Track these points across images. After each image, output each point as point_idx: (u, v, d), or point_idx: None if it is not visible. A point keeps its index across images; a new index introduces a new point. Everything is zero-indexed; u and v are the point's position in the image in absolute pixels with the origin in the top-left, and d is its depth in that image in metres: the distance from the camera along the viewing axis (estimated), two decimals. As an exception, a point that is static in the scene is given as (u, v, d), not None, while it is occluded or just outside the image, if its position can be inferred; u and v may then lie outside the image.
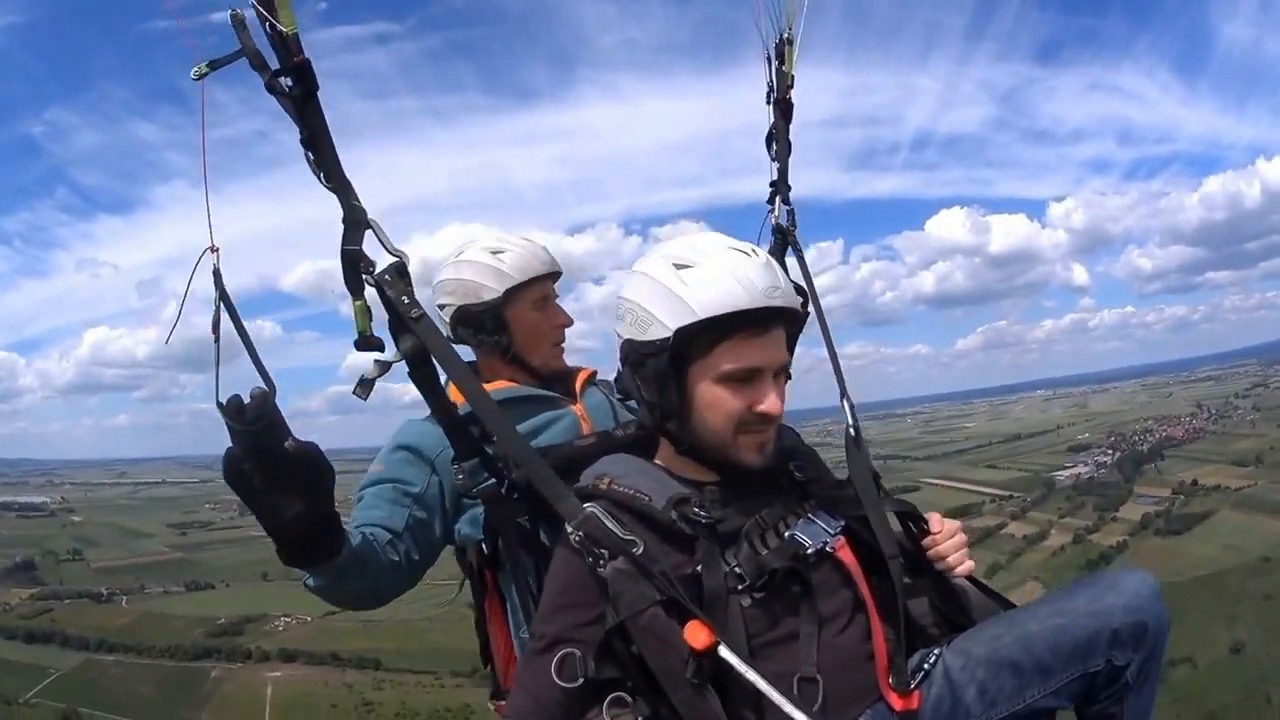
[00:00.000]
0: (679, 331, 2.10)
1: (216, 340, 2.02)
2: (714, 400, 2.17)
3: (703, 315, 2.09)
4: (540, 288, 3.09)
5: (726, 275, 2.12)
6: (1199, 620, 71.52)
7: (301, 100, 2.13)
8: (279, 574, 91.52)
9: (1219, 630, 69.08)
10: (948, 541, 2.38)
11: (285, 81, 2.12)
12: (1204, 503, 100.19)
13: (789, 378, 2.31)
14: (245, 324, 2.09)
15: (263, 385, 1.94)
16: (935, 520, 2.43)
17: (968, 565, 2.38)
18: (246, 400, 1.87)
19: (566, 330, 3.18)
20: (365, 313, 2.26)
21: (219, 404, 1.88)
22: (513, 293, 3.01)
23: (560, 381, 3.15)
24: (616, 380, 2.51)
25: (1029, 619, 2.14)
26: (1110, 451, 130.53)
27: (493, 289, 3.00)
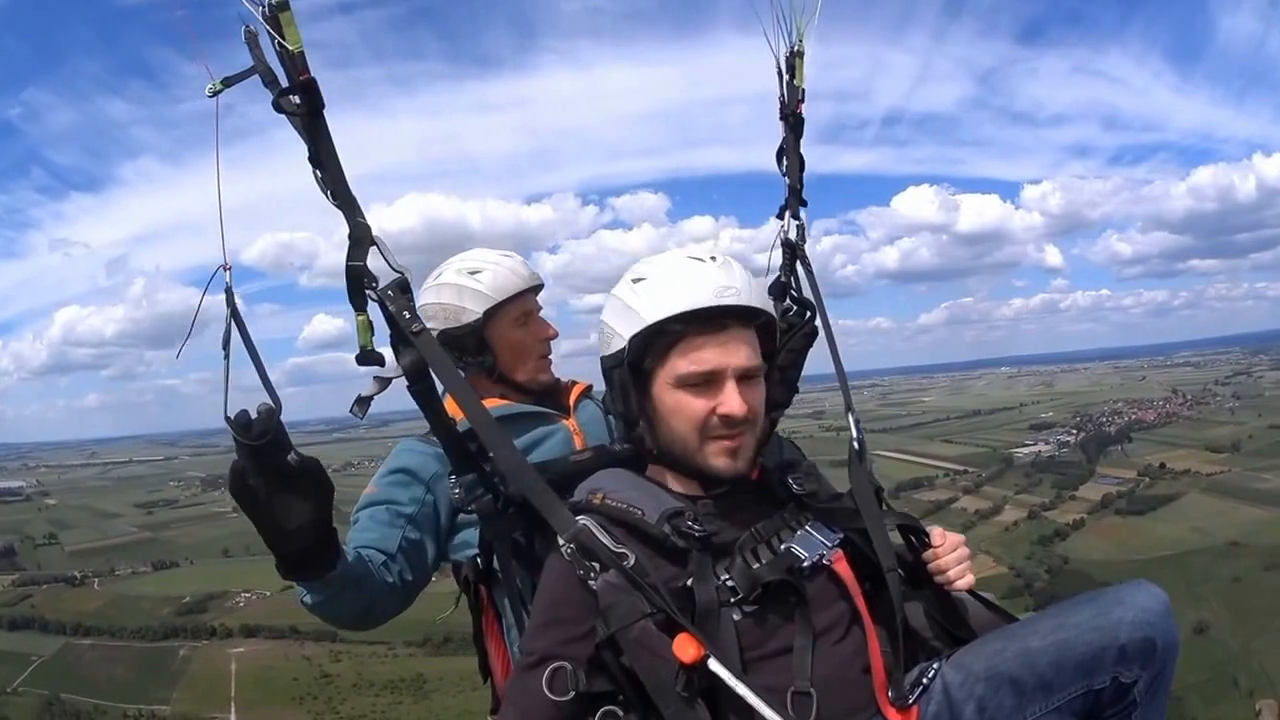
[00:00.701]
0: (631, 339, 2.19)
1: (226, 356, 2.05)
2: (675, 405, 2.20)
3: (650, 320, 2.16)
4: (521, 304, 3.08)
5: (674, 281, 2.18)
6: None
7: (308, 118, 2.17)
8: (239, 550, 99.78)
9: (1182, 609, 67.71)
10: (949, 555, 2.35)
11: (294, 100, 2.15)
12: (1171, 486, 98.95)
13: (776, 380, 2.37)
14: (242, 326, 2.11)
15: (269, 401, 1.99)
16: (937, 534, 2.41)
17: (968, 579, 2.35)
18: (253, 416, 1.94)
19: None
20: (368, 328, 2.28)
21: (227, 418, 1.94)
22: (493, 312, 3.01)
23: (552, 396, 3.16)
24: (604, 399, 2.55)
25: (1031, 633, 2.08)
26: (1074, 431, 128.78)
27: (472, 311, 2.99)
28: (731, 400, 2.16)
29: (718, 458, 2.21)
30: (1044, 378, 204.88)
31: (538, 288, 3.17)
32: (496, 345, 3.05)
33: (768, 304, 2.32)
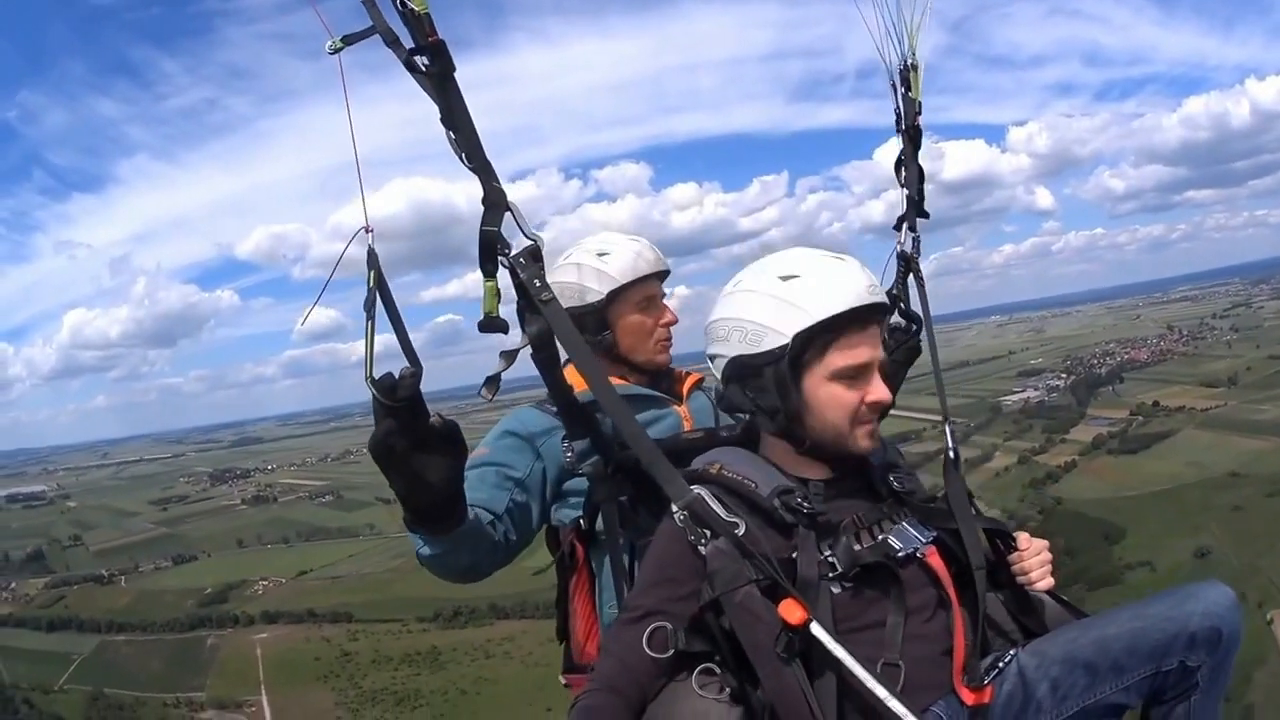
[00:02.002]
0: (797, 336, 2.25)
1: (371, 318, 2.04)
2: (830, 397, 2.30)
3: (818, 317, 2.24)
4: (644, 288, 3.14)
5: (831, 280, 2.28)
6: (1156, 531, 70.77)
7: (440, 79, 2.18)
8: (251, 540, 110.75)
9: (1181, 539, 68.20)
10: (1033, 558, 2.49)
11: (422, 60, 2.16)
12: (1165, 424, 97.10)
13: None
14: (386, 290, 2.10)
15: (409, 365, 2.02)
16: (1024, 538, 2.53)
17: (1048, 580, 2.49)
18: (397, 377, 2.00)
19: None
20: (495, 294, 2.30)
21: (370, 380, 1.98)
22: (616, 294, 3.08)
23: (666, 381, 3.26)
24: (721, 399, 2.54)
25: (1108, 624, 2.22)
26: (1064, 376, 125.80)
27: (596, 291, 3.08)
28: (881, 390, 2.31)
29: (864, 440, 2.34)
30: (1034, 324, 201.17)
31: (664, 273, 3.22)
32: (618, 326, 3.10)
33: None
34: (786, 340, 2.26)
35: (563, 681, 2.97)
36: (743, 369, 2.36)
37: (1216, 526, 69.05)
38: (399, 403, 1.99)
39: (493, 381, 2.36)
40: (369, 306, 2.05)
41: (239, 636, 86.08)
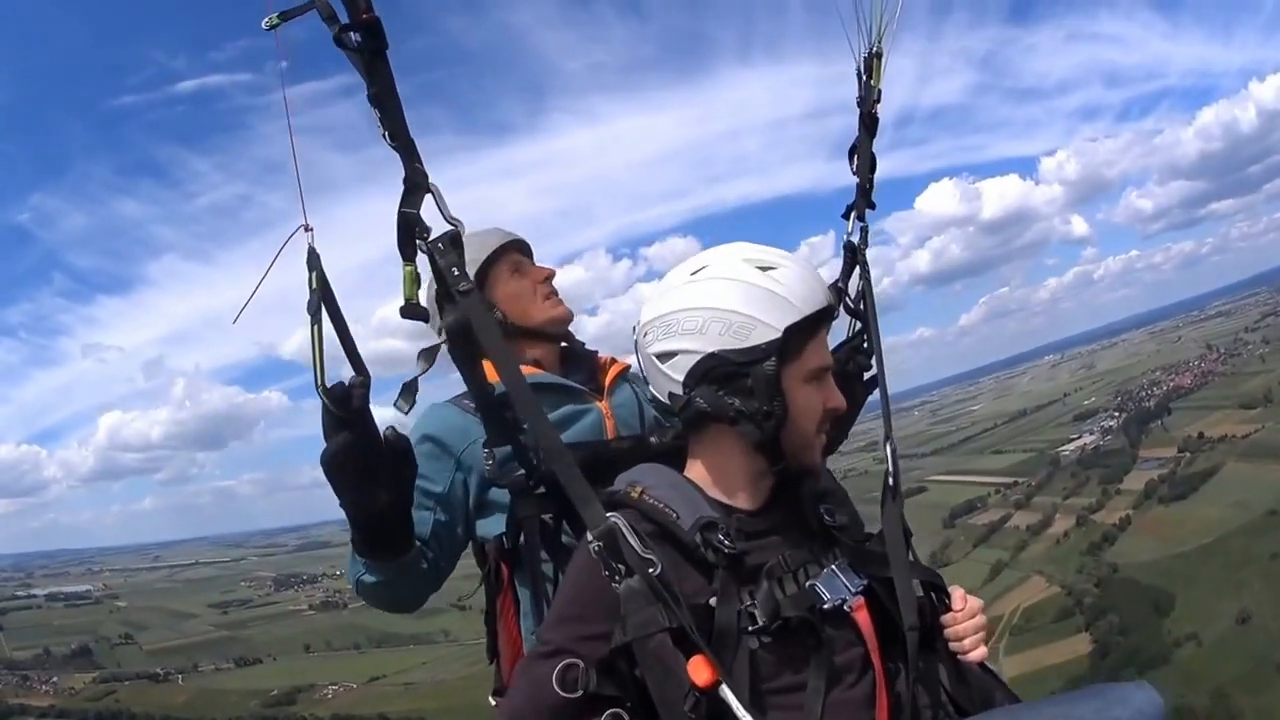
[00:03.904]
0: (788, 329, 2.05)
1: (316, 324, 1.93)
2: (806, 401, 2.12)
3: (806, 311, 2.06)
4: (508, 260, 2.97)
5: (809, 273, 2.13)
6: (1203, 593, 71.36)
7: (370, 57, 2.11)
8: (320, 646, 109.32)
9: (1224, 601, 68.64)
10: (967, 622, 2.29)
11: (354, 37, 2.10)
12: (1210, 458, 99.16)
13: None
14: (328, 290, 2.00)
15: (357, 374, 1.96)
16: (959, 597, 2.33)
17: (980, 651, 2.29)
18: (346, 386, 1.93)
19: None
20: (414, 279, 2.22)
21: (321, 388, 1.90)
22: (486, 270, 2.91)
23: (586, 367, 3.02)
24: (676, 401, 2.18)
25: (1033, 718, 2.09)
26: (1116, 414, 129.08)
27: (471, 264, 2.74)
28: (838, 395, 2.16)
29: (821, 451, 2.22)
30: (1085, 359, 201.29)
31: (517, 242, 3.04)
32: (499, 299, 2.92)
33: None
34: (778, 334, 2.04)
35: (492, 703, 2.80)
36: (723, 366, 2.07)
37: (1257, 581, 69.59)
38: (351, 414, 1.94)
39: (408, 390, 2.23)
40: (313, 310, 1.95)
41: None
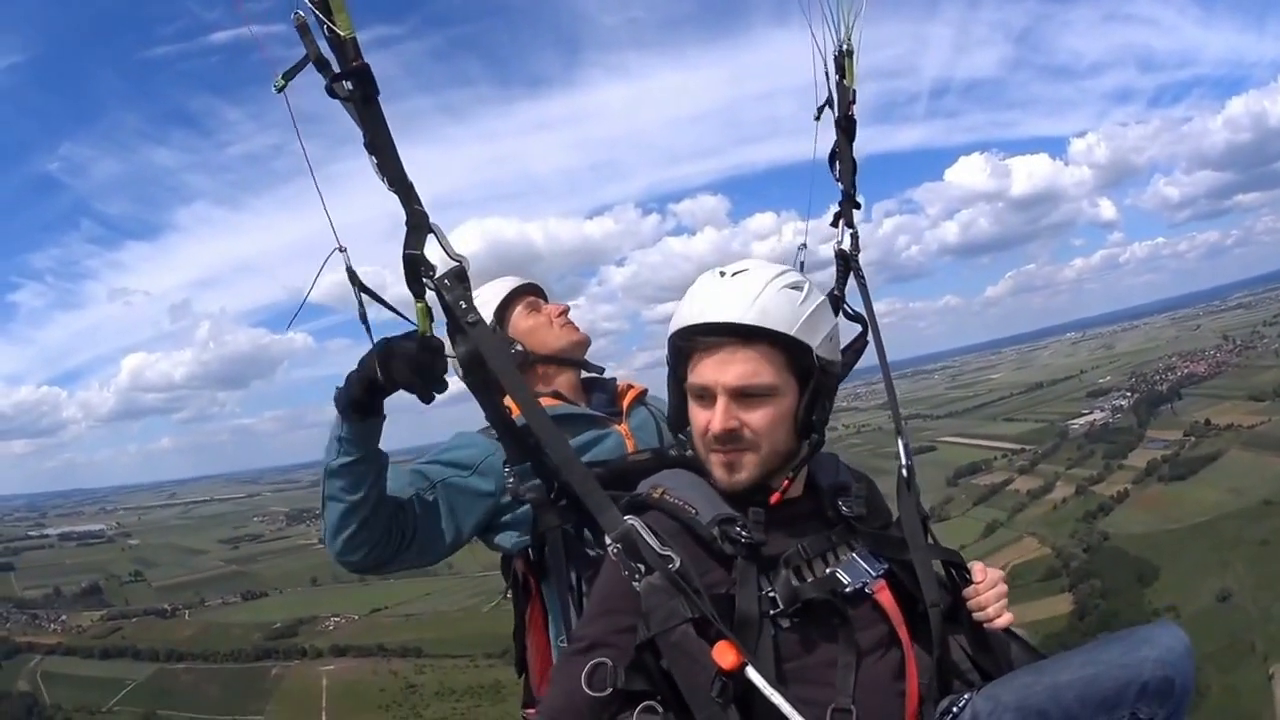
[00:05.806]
0: (669, 340, 2.29)
1: (368, 329, 2.31)
2: (692, 415, 2.28)
3: (673, 328, 2.25)
4: (523, 301, 3.18)
5: (689, 295, 2.25)
6: (1188, 569, 72.13)
7: (362, 104, 2.16)
8: (327, 578, 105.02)
9: (1208, 579, 69.44)
10: (989, 592, 2.38)
11: (346, 85, 2.14)
12: (1214, 444, 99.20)
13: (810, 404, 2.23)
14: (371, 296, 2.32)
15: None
16: (978, 570, 2.43)
17: (1006, 618, 2.37)
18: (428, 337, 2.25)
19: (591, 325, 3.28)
20: (426, 314, 2.27)
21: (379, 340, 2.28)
22: (503, 312, 3.13)
23: (606, 395, 3.17)
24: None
25: (1061, 669, 2.15)
26: (1129, 394, 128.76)
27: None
28: (715, 417, 2.17)
29: (716, 469, 2.23)
30: (1105, 340, 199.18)
31: (530, 286, 3.23)
32: (518, 336, 3.10)
33: (784, 322, 2.17)
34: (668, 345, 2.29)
35: (522, 716, 2.92)
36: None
37: (1242, 565, 70.32)
38: (438, 346, 2.28)
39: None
40: (364, 319, 2.30)
41: (305, 668, 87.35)
